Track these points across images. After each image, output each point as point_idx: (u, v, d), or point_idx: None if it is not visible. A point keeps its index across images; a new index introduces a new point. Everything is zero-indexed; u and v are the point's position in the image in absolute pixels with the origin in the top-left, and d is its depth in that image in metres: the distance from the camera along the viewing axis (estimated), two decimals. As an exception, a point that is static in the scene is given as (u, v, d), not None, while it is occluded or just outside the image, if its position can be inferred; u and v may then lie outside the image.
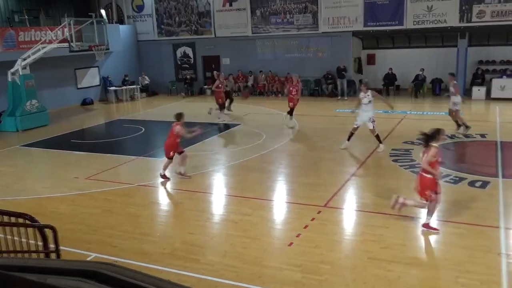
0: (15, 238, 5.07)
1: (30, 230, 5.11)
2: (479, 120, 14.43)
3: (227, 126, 15.66)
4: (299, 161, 11.21)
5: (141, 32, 25.77)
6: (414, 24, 20.72)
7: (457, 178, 9.04)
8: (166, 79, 25.42)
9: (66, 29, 17.07)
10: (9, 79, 16.40)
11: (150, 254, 6.28)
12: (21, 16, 20.49)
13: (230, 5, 23.96)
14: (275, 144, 12.53)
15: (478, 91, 19.69)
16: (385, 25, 21.24)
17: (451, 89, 12.94)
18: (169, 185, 9.52)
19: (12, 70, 16.32)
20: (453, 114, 12.93)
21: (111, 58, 23.21)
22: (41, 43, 16.76)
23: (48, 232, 5.03)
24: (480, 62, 22.07)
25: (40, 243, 5.04)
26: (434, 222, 6.66)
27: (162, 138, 14.53)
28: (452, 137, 12.26)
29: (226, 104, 17.27)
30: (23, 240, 5.10)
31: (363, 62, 24.11)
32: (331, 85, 22.41)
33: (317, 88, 22.84)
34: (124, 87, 23.31)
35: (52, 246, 5.13)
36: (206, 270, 5.80)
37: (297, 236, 6.59)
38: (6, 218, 5.05)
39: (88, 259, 6.04)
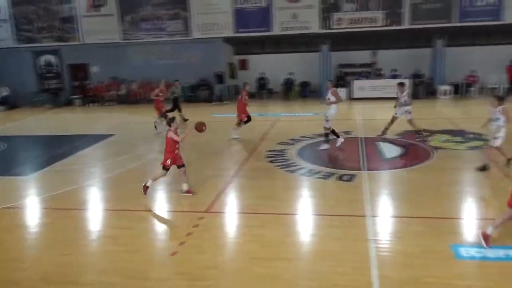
0: None
1: None
2: (343, 119, 15.67)
3: (104, 137, 14.86)
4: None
5: (-4, 39, 23.51)
6: (281, 30, 21.94)
7: (327, 174, 9.75)
8: (28, 89, 23.43)
9: None
10: None
11: (21, 282, 5.71)
12: None
13: (98, 10, 22.92)
14: (152, 153, 12.27)
15: (341, 92, 21.44)
16: (255, 31, 22.15)
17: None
18: (37, 204, 8.76)
19: None
20: (411, 122, 12.91)
21: (-39, 68, 20.78)
22: None
23: None
24: (341, 65, 24.13)
25: None
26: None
27: (27, 154, 13.40)
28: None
29: (179, 116, 15.70)
30: None
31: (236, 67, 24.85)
32: (207, 91, 22.76)
33: (192, 94, 22.92)
34: (-21, 100, 21.04)
35: None
36: (85, 291, 5.45)
37: (180, 244, 6.52)
38: None
39: None
